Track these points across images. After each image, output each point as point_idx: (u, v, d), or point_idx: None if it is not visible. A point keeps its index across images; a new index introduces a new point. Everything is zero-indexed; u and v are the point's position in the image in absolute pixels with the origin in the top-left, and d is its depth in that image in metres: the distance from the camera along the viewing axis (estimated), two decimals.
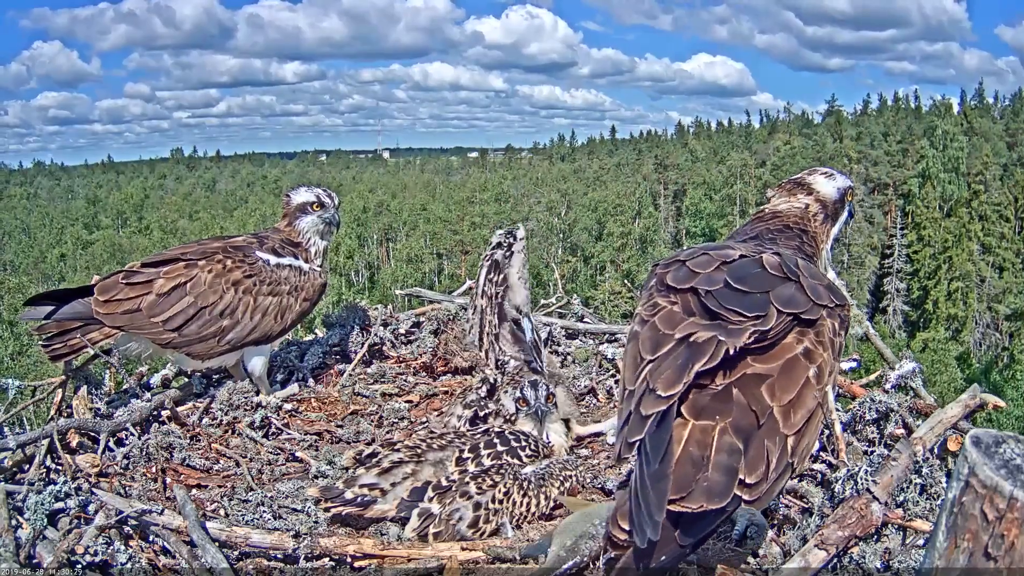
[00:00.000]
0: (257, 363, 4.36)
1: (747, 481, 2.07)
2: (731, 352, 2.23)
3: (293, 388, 4.52)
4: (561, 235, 76.80)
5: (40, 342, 4.00)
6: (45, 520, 2.89)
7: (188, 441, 3.82)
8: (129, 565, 2.73)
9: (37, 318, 3.98)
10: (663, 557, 2.04)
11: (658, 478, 2.02)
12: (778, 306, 2.35)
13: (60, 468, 3.35)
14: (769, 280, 2.47)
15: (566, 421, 3.88)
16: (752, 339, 2.27)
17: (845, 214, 3.27)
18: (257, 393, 4.32)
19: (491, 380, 4.18)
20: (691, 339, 2.29)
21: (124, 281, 4.02)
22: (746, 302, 2.37)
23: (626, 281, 49.60)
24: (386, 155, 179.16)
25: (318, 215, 4.48)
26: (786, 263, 2.56)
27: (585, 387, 4.60)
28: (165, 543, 2.87)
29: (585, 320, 5.65)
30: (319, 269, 4.46)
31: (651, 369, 2.27)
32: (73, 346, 3.99)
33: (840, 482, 2.91)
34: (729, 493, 2.04)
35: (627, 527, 2.03)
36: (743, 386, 2.22)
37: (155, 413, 3.96)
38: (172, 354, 4.26)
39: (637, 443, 2.12)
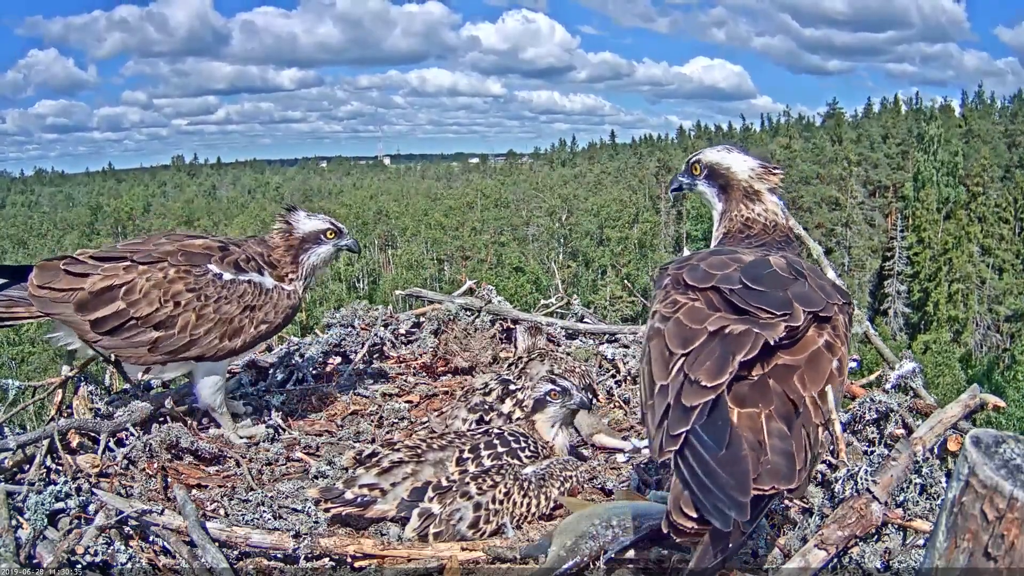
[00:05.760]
0: (207, 385, 3.97)
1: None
2: (771, 344, 2.26)
3: (260, 429, 4.13)
4: (562, 240, 76.82)
5: None
6: (45, 520, 2.89)
7: (188, 441, 3.81)
8: (129, 565, 2.74)
9: None
10: (730, 543, 2.06)
11: (730, 462, 2.02)
12: (798, 304, 2.39)
13: (60, 468, 3.36)
14: (782, 280, 2.51)
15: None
16: (785, 333, 2.30)
17: None
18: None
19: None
20: (726, 332, 2.30)
21: (64, 268, 3.77)
22: (770, 300, 2.40)
23: (627, 283, 49.53)
24: (387, 161, 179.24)
25: (333, 243, 4.14)
26: (792, 264, 2.62)
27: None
28: (165, 543, 2.87)
29: (585, 320, 5.65)
30: (289, 289, 4.03)
31: (686, 362, 2.27)
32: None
33: (840, 482, 2.90)
34: (793, 475, 2.06)
35: (693, 514, 2.00)
36: (778, 377, 2.25)
37: (156, 413, 3.96)
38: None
39: (682, 434, 2.11)
